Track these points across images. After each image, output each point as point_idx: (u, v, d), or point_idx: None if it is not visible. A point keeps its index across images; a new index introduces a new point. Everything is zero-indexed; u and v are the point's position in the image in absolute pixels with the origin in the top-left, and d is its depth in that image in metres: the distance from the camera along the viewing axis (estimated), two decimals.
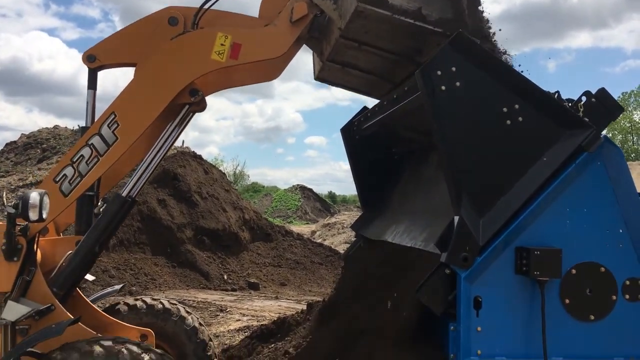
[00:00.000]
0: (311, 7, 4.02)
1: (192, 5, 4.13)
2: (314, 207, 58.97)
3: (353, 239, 6.08)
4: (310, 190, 62.44)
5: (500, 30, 4.00)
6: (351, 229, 5.75)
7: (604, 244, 3.44)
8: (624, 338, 3.45)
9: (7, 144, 23.15)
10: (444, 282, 3.36)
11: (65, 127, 23.72)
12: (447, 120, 3.33)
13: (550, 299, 3.36)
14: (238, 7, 4.72)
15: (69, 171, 3.92)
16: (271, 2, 4.14)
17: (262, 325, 6.96)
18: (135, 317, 4.90)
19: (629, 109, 57.76)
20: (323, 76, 5.02)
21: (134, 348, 3.50)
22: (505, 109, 3.36)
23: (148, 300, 5.15)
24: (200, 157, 18.32)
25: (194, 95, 4.04)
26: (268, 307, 11.73)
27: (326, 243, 21.83)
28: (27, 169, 19.63)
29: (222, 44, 3.93)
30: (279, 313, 10.10)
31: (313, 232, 30.50)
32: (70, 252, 4.06)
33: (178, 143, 13.98)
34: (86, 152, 3.93)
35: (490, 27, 3.82)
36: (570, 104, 3.58)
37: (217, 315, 10.69)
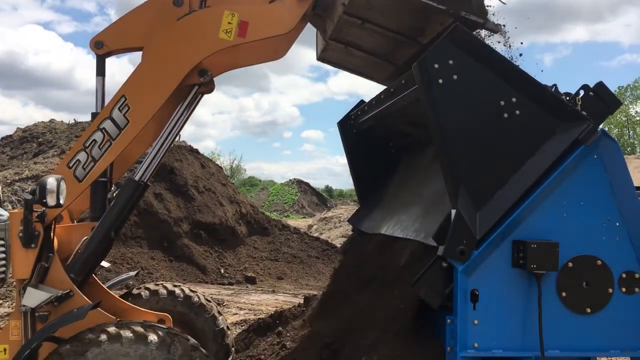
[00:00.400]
0: None
1: None
2: (310, 201, 59.00)
3: (350, 233, 6.08)
4: (307, 184, 62.48)
5: (504, 25, 3.99)
6: (348, 222, 5.75)
7: (601, 237, 3.46)
8: (620, 331, 3.47)
9: (2, 138, 23.08)
10: (441, 276, 3.38)
11: (61, 121, 23.65)
12: (445, 113, 3.33)
13: (547, 292, 3.37)
14: None
15: (82, 156, 3.94)
16: None
17: (259, 319, 6.96)
18: (142, 305, 4.92)
19: (626, 102, 57.83)
20: (325, 56, 4.99)
21: (161, 332, 3.54)
22: (502, 102, 3.36)
23: (151, 286, 5.16)
24: (196, 151, 18.28)
25: (202, 75, 4.03)
26: (265, 301, 11.74)
27: (323, 237, 21.83)
28: (23, 163, 19.57)
29: (229, 23, 3.91)
30: (276, 307, 10.11)
31: (310, 226, 30.50)
32: (86, 238, 4.06)
33: None
34: (98, 136, 3.94)
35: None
36: (568, 98, 3.58)
37: None
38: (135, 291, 5.13)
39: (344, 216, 28.68)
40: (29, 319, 3.73)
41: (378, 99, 4.58)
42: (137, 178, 4.11)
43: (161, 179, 15.63)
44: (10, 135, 22.99)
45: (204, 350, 3.65)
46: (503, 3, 3.86)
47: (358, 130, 5.30)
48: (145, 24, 4.07)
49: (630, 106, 58.99)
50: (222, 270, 14.63)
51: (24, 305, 3.69)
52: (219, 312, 5.25)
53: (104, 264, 4.66)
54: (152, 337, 3.47)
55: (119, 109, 3.93)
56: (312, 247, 17.18)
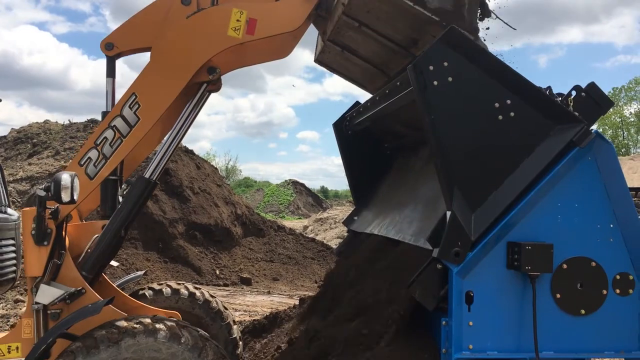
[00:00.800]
0: None
1: None
2: (306, 202, 59.03)
3: (345, 234, 6.08)
4: (303, 185, 62.52)
5: (488, 28, 4.02)
6: (343, 224, 5.75)
7: (595, 238, 3.46)
8: (614, 332, 3.48)
9: None
10: (436, 277, 3.38)
11: (56, 122, 23.55)
12: (439, 115, 3.34)
13: (542, 294, 3.38)
14: None
15: (93, 154, 3.97)
16: None
17: (254, 320, 6.96)
18: (162, 302, 4.91)
19: (620, 104, 58.13)
20: (322, 58, 5.01)
21: (195, 335, 3.57)
22: (497, 105, 3.37)
23: (173, 284, 5.15)
24: (192, 152, 18.26)
25: (212, 73, 4.06)
26: (260, 302, 11.73)
27: (318, 238, 21.82)
28: (18, 163, 19.49)
29: (237, 20, 3.95)
30: (272, 308, 10.10)
31: (305, 227, 30.48)
32: (97, 236, 4.09)
33: None
34: (109, 134, 3.98)
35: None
36: (560, 99, 3.59)
37: None
38: (156, 286, 5.13)
39: (339, 217, 28.67)
40: (42, 317, 3.75)
41: (373, 100, 4.58)
42: (147, 175, 4.15)
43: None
44: (5, 136, 22.87)
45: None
46: (513, 29, 3.92)
47: (353, 132, 5.30)
48: (155, 24, 4.10)
49: (625, 107, 59.25)
50: (218, 272, 14.61)
51: (37, 303, 3.72)
52: (234, 321, 5.24)
53: (113, 262, 4.68)
54: (186, 338, 3.49)
55: (129, 106, 3.97)
56: (307, 248, 17.17)
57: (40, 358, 3.54)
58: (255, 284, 14.41)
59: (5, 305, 9.82)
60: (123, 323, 3.45)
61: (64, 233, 3.88)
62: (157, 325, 3.47)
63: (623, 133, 60.09)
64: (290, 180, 62.71)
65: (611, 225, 3.48)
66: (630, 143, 59.91)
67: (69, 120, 24.28)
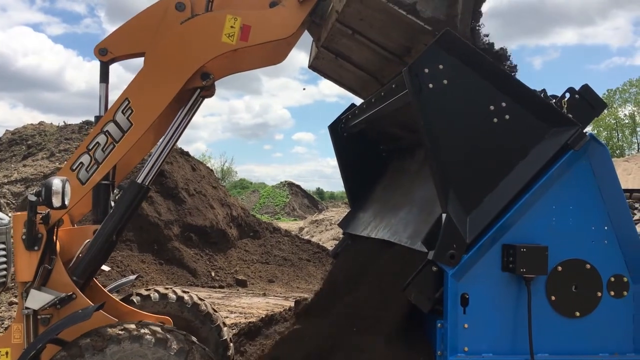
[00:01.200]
0: None
1: None
2: (301, 203, 59.03)
3: (341, 236, 6.08)
4: (298, 186, 62.55)
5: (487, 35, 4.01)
6: (339, 226, 5.75)
7: (590, 241, 3.48)
8: (608, 334, 3.49)
9: None
10: (431, 280, 3.38)
11: (51, 123, 23.48)
12: (434, 118, 3.35)
13: (536, 296, 3.39)
14: None
15: (85, 159, 3.95)
16: None
17: (249, 322, 6.93)
18: (150, 307, 4.89)
19: (614, 105, 58.35)
20: (316, 65, 5.01)
21: (181, 339, 3.56)
22: (492, 107, 3.38)
23: (160, 289, 5.14)
24: (187, 153, 18.25)
25: (205, 79, 4.06)
26: (256, 304, 11.71)
27: (314, 239, 21.84)
28: (12, 165, 19.42)
29: (231, 27, 3.94)
30: (267, 310, 10.09)
31: (301, 229, 30.50)
32: (88, 241, 4.08)
33: None
34: (102, 139, 3.96)
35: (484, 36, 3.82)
36: (554, 101, 3.61)
37: None
38: (144, 292, 5.10)
39: (335, 219, 28.70)
40: (32, 322, 3.73)
41: (369, 102, 4.59)
42: (139, 181, 4.13)
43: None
44: None
45: None
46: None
47: (349, 134, 5.31)
48: (149, 29, 4.10)
49: (619, 109, 59.48)
50: (213, 274, 14.58)
51: (27, 308, 3.70)
52: (224, 323, 5.21)
53: (104, 267, 4.66)
54: (172, 343, 3.47)
55: (122, 111, 3.95)
56: (303, 250, 17.16)
57: None
58: (250, 285, 14.40)
59: (0, 308, 9.78)
60: (108, 330, 3.43)
61: (55, 238, 3.86)
62: (142, 331, 3.45)
63: (618, 135, 60.34)
64: (285, 181, 62.75)
65: (606, 228, 3.49)
66: (624, 145, 60.18)
67: (63, 121, 24.21)
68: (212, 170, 21.50)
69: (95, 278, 4.38)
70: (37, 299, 3.68)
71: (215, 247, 15.69)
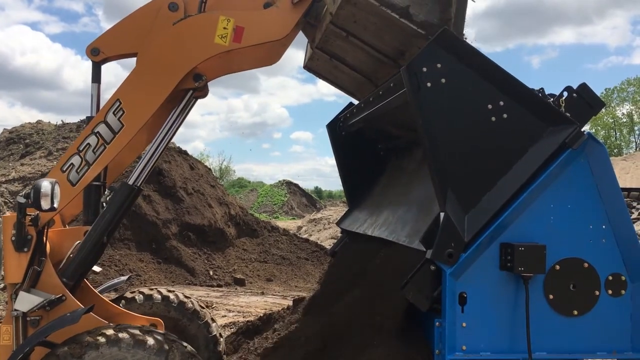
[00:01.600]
0: None
1: None
2: (300, 202, 59.03)
3: (339, 235, 6.08)
4: (296, 185, 62.53)
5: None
6: (337, 225, 5.75)
7: (588, 240, 3.48)
8: (606, 333, 3.49)
9: None
10: (429, 279, 3.38)
11: (49, 122, 23.45)
12: (432, 116, 3.34)
13: (535, 295, 3.39)
14: None
15: (76, 160, 3.93)
16: None
17: (248, 321, 6.93)
18: (136, 309, 4.89)
19: (612, 104, 58.43)
20: (311, 65, 5.01)
21: (160, 338, 3.54)
22: (490, 106, 3.38)
23: (145, 290, 5.14)
24: (185, 152, 18.22)
25: (197, 80, 4.04)
26: (254, 303, 11.71)
27: (312, 238, 21.82)
28: (10, 164, 19.39)
29: (224, 28, 3.93)
30: (265, 309, 10.09)
31: (299, 228, 30.47)
32: (79, 242, 4.05)
33: None
34: (92, 140, 3.94)
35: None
36: (552, 99, 3.61)
37: None
38: (129, 295, 5.09)
39: (333, 217, 28.67)
40: (21, 323, 3.71)
41: (367, 101, 4.59)
42: (130, 182, 4.10)
43: (150, 180, 15.53)
44: None
45: (200, 358, 3.65)
46: (473, 1, 3.91)
47: (347, 133, 5.30)
48: (141, 30, 4.07)
49: (617, 108, 59.58)
50: (211, 272, 14.58)
51: (16, 310, 3.68)
52: (212, 319, 5.22)
53: (95, 268, 4.64)
54: (151, 343, 3.47)
55: (113, 113, 3.92)
56: (301, 249, 17.16)
57: None
58: (249, 284, 14.39)
59: None
60: (85, 337, 3.42)
61: (44, 239, 3.84)
62: (120, 335, 3.44)
63: (615, 134, 60.44)
64: (284, 180, 62.70)
65: (603, 226, 3.49)
66: (622, 144, 60.28)
67: (61, 120, 24.24)
68: (210, 169, 21.49)
69: (86, 278, 4.36)
70: (27, 301, 3.67)
71: (214, 246, 15.69)
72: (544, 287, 3.43)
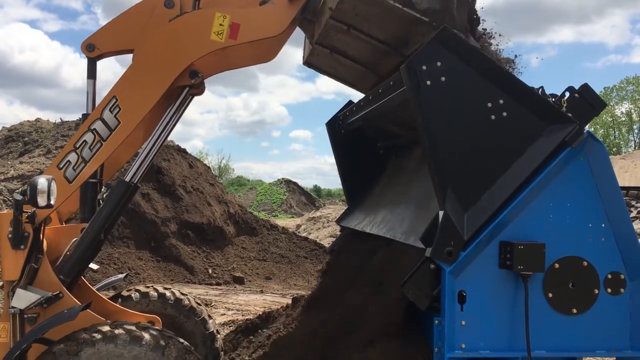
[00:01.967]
0: None
1: None
2: (299, 200, 59.05)
3: (338, 233, 6.08)
4: (295, 183, 62.55)
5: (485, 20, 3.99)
6: (336, 223, 5.74)
7: (587, 238, 3.48)
8: (605, 331, 3.49)
9: None
10: (429, 277, 3.38)
11: (47, 120, 23.44)
12: (432, 115, 3.34)
13: (534, 293, 3.39)
14: None
15: (72, 157, 3.92)
16: None
17: (247, 319, 6.93)
18: (132, 307, 4.89)
19: (611, 103, 58.49)
20: (311, 61, 4.99)
21: (156, 334, 3.54)
22: (489, 104, 3.37)
23: (141, 288, 5.14)
24: (184, 150, 18.22)
25: (194, 77, 4.02)
26: (253, 301, 11.72)
27: (311, 237, 21.83)
28: (9, 162, 19.36)
29: (220, 24, 3.91)
30: (264, 307, 10.09)
31: (298, 226, 30.48)
32: (76, 239, 4.05)
33: None
34: (89, 137, 3.93)
35: (479, 23, 3.81)
36: (553, 99, 3.60)
37: None
38: (125, 293, 5.09)
39: (332, 216, 28.68)
40: (18, 321, 3.70)
41: (366, 99, 4.58)
42: (127, 179, 4.09)
43: (149, 178, 15.55)
44: None
45: (197, 354, 3.65)
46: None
47: (346, 131, 5.30)
48: (137, 26, 4.07)
49: (616, 107, 59.62)
50: (210, 271, 14.58)
51: (13, 307, 3.67)
52: (209, 316, 5.22)
53: (93, 265, 4.64)
54: (147, 339, 3.46)
55: (109, 109, 3.91)
56: (300, 247, 17.17)
57: None
58: (248, 283, 14.40)
59: None
60: (81, 334, 3.42)
61: (41, 236, 3.83)
62: (116, 331, 3.44)
63: (614, 132, 60.48)
64: (283, 179, 62.73)
65: (603, 225, 3.49)
66: (621, 142, 60.34)
67: (60, 118, 24.20)
68: (209, 167, 21.48)
69: (83, 276, 4.36)
70: (24, 298, 3.66)
71: (213, 244, 15.69)
72: (543, 285, 3.43)
